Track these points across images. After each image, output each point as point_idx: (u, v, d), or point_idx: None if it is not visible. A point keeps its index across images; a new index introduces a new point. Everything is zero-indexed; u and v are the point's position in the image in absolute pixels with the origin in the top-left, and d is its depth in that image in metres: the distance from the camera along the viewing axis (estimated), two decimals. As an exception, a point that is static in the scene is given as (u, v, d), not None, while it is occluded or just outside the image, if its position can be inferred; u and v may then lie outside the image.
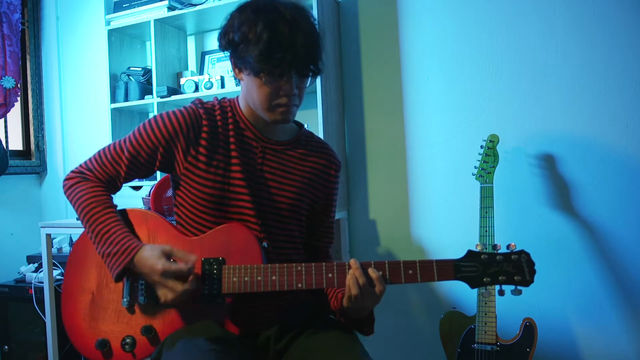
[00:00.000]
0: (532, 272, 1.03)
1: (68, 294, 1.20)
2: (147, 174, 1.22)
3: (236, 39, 1.08)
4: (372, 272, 1.05)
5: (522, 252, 1.04)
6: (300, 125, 1.30)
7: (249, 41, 1.05)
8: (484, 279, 1.03)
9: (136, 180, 1.27)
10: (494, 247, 1.05)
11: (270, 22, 1.04)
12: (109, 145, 1.21)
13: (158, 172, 1.47)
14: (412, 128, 2.23)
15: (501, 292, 1.05)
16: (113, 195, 1.22)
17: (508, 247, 1.05)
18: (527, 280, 1.03)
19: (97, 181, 1.19)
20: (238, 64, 1.12)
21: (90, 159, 1.22)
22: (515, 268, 1.03)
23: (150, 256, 1.06)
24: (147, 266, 1.06)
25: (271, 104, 1.11)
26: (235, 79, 1.18)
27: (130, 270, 1.11)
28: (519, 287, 1.03)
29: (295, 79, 1.09)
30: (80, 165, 1.23)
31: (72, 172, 1.23)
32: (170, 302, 1.06)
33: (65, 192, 1.21)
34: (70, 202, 1.19)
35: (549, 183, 1.99)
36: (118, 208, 1.20)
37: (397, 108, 2.26)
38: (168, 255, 1.07)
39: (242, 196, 1.15)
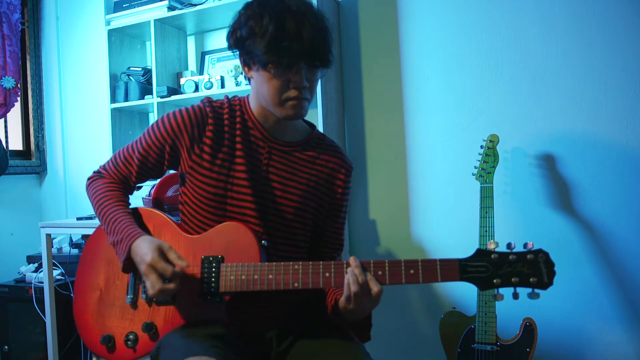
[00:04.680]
0: (552, 273, 0.94)
1: (79, 291, 1.23)
2: (158, 175, 1.25)
3: (244, 34, 1.08)
4: (367, 273, 1.01)
5: (539, 251, 0.95)
6: (312, 127, 1.28)
7: (256, 34, 1.05)
8: (494, 281, 0.94)
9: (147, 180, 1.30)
10: (508, 245, 0.96)
11: (276, 13, 1.04)
12: (124, 148, 1.26)
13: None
14: (412, 128, 2.23)
15: (515, 296, 0.95)
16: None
17: (525, 245, 0.96)
18: (545, 283, 0.93)
19: (112, 179, 1.25)
20: (247, 60, 1.11)
21: (108, 161, 1.28)
22: (531, 269, 0.94)
23: (144, 246, 1.08)
24: (140, 255, 1.07)
25: (281, 98, 1.09)
26: (246, 78, 1.18)
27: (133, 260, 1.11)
28: (536, 291, 0.93)
29: (305, 71, 1.08)
30: (100, 166, 1.29)
31: (93, 172, 1.29)
32: (150, 296, 1.05)
33: (86, 191, 1.27)
34: (89, 199, 1.24)
35: (549, 183, 1.99)
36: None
37: (397, 108, 2.26)
38: (162, 253, 1.07)
39: (245, 196, 1.15)
